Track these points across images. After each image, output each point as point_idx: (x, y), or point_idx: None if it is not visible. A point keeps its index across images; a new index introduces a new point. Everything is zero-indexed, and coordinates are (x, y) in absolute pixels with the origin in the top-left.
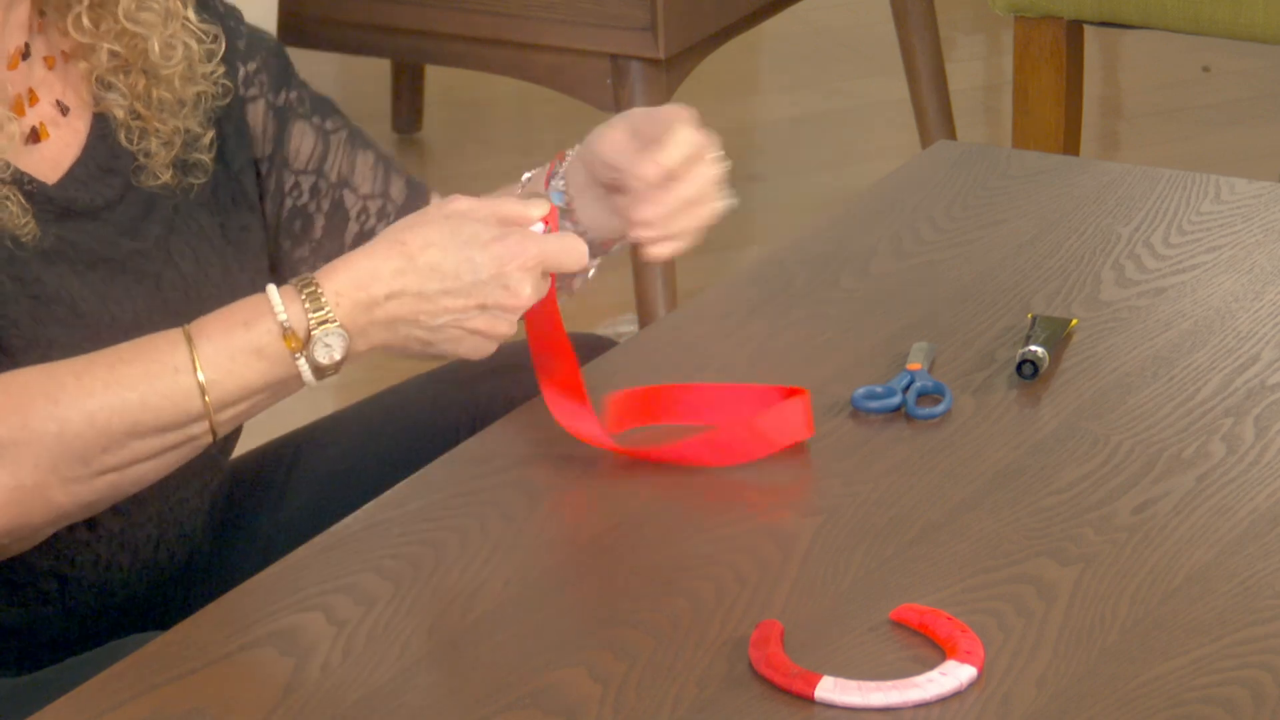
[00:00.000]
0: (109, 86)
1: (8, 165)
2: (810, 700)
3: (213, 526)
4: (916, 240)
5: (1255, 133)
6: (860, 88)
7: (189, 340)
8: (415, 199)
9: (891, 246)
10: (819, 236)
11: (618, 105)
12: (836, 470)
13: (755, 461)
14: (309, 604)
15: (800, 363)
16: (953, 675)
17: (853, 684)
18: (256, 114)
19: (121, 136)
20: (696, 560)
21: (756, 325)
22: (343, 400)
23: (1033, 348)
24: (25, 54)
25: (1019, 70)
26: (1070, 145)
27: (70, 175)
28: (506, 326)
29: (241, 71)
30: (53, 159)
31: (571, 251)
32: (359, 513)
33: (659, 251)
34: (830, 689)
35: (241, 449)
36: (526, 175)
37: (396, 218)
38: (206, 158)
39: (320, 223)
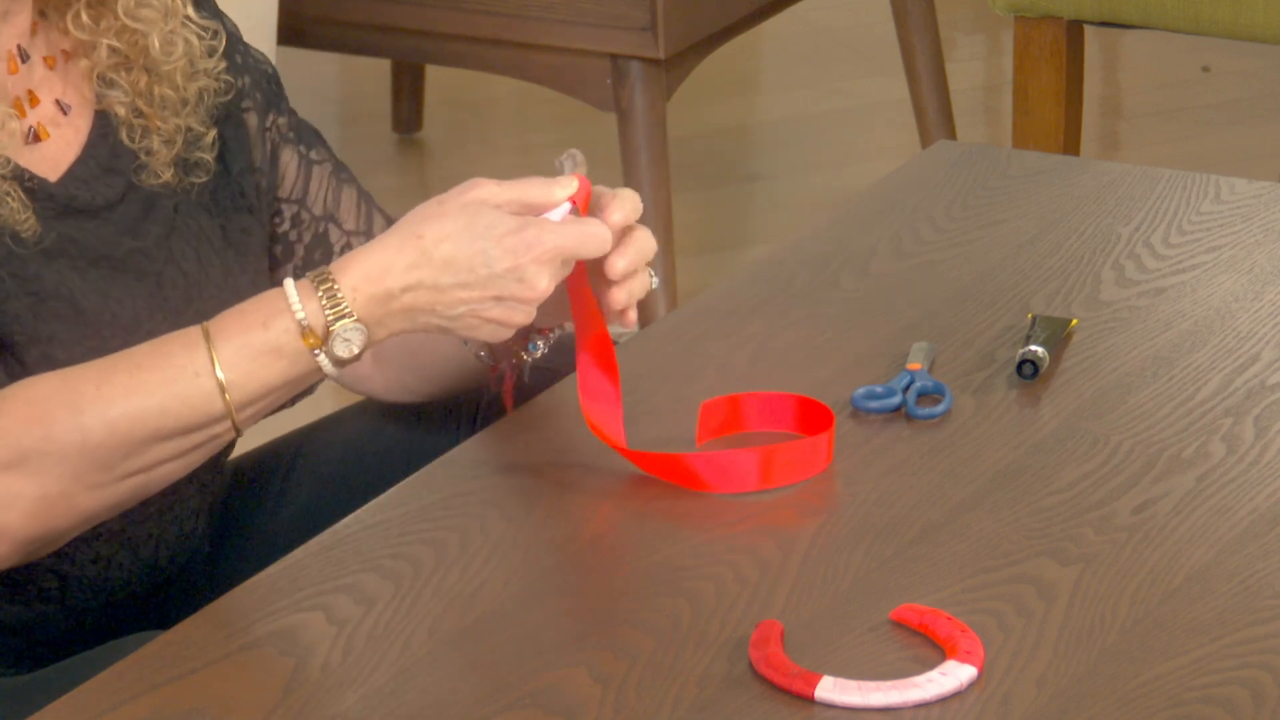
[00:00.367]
0: (111, 84)
1: (8, 161)
2: (810, 700)
3: (213, 526)
4: (916, 240)
5: (1255, 133)
6: (860, 88)
7: (208, 341)
8: None
9: (891, 246)
10: (819, 236)
11: (618, 105)
12: (836, 470)
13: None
14: (309, 604)
15: (800, 363)
16: (953, 675)
17: (853, 684)
18: (252, 124)
19: (123, 135)
20: (696, 560)
21: (756, 325)
22: (343, 400)
23: (1033, 348)
24: (24, 57)
25: (1019, 70)
26: (1070, 145)
27: (71, 173)
28: (523, 316)
29: (239, 81)
30: (54, 157)
31: (592, 239)
32: (359, 513)
33: (628, 314)
34: (830, 689)
35: (241, 449)
36: None
37: None
38: (208, 156)
39: (300, 252)
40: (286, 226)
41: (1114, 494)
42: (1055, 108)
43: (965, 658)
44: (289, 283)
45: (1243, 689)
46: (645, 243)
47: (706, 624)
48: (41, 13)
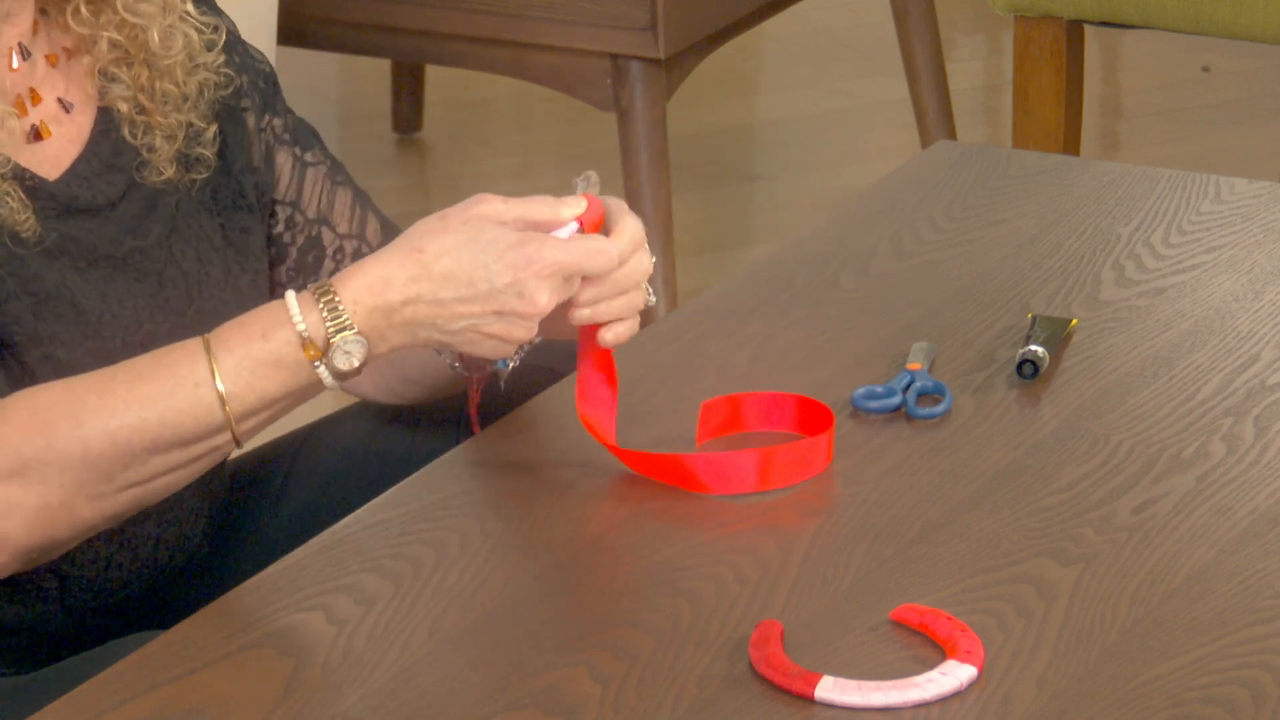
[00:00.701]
0: (113, 79)
1: (8, 160)
2: (810, 700)
3: (213, 526)
4: (916, 240)
5: (1255, 133)
6: (860, 88)
7: (208, 353)
8: (389, 240)
9: (891, 246)
10: (819, 236)
11: (618, 105)
12: (836, 470)
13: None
14: (309, 604)
15: (800, 363)
16: (953, 675)
17: (853, 684)
18: (250, 123)
19: (125, 131)
20: (696, 560)
21: (756, 325)
22: (342, 401)
23: (1033, 348)
24: (25, 55)
25: (1019, 70)
26: (1070, 145)
27: (72, 171)
28: (524, 332)
29: (238, 80)
30: (55, 156)
31: (596, 256)
32: (359, 512)
33: (614, 337)
34: (830, 689)
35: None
36: None
37: None
38: (209, 152)
39: (293, 255)
40: (280, 228)
41: (1114, 494)
42: (1055, 108)
43: (965, 658)
44: (290, 294)
45: (1243, 689)
46: (639, 267)
47: (706, 624)
48: (42, 10)
